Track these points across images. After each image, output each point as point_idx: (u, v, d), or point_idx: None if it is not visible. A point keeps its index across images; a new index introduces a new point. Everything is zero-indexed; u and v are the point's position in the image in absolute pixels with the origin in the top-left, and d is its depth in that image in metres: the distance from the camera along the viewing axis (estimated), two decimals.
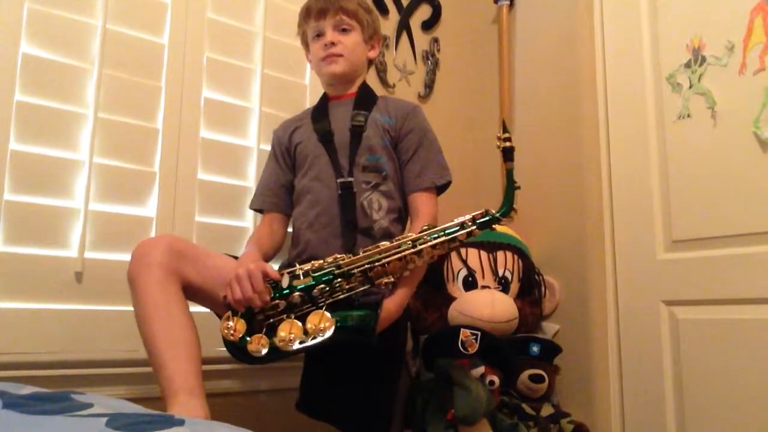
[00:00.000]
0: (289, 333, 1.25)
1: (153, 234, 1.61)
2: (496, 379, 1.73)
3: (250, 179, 1.80)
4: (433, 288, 1.94)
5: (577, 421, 1.82)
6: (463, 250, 1.93)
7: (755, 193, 1.64)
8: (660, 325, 1.81)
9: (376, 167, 1.53)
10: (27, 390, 0.95)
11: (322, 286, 1.29)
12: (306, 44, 1.67)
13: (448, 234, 1.34)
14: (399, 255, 1.31)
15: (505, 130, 1.40)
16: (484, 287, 1.90)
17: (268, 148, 1.69)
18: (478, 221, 1.35)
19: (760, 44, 1.66)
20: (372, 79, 2.13)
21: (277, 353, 1.26)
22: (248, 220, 1.78)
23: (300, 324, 1.27)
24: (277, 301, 1.28)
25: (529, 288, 1.98)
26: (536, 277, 2.01)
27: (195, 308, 1.64)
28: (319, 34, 1.58)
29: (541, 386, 1.82)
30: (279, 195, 1.61)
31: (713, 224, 1.72)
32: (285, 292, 1.29)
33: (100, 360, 1.49)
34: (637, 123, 1.92)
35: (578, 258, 2.00)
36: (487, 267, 1.91)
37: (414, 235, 1.34)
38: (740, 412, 1.61)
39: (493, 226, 1.37)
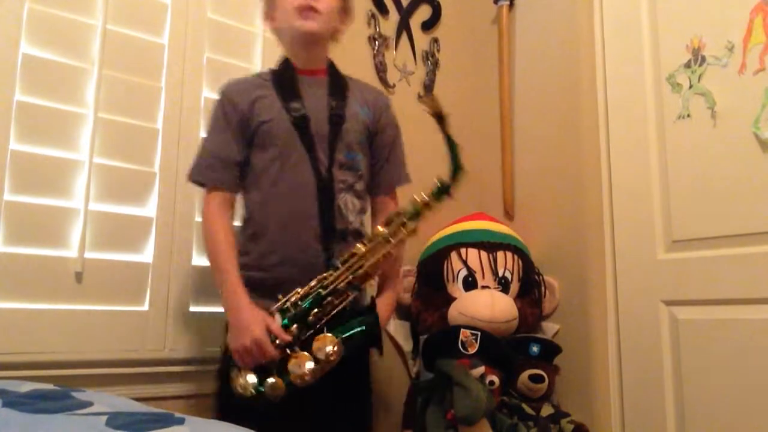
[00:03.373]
0: (301, 367, 1.24)
1: (153, 234, 1.61)
2: (496, 379, 1.73)
3: None
4: (433, 288, 1.94)
5: (577, 421, 1.81)
6: (463, 250, 1.93)
7: (755, 193, 1.64)
8: (660, 325, 1.80)
9: (353, 165, 1.45)
10: (27, 388, 0.95)
11: (315, 310, 1.28)
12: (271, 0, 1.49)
13: (412, 217, 1.34)
14: (379, 255, 1.31)
15: (429, 92, 1.37)
16: (484, 287, 1.89)
17: None
18: (436, 194, 1.35)
19: (760, 44, 1.66)
20: (372, 79, 2.14)
21: (295, 388, 1.25)
22: None
23: (307, 354, 1.25)
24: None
25: (529, 288, 1.98)
26: (536, 277, 2.01)
27: (210, 309, 1.65)
28: None
29: (541, 386, 1.82)
30: (234, 172, 1.42)
31: (713, 224, 1.72)
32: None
33: (100, 360, 1.50)
34: (637, 123, 1.92)
35: (578, 258, 2.00)
36: (487, 267, 1.91)
37: (384, 231, 1.33)
38: (740, 412, 1.61)
39: (450, 192, 1.35)
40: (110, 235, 1.55)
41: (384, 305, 1.38)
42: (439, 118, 1.33)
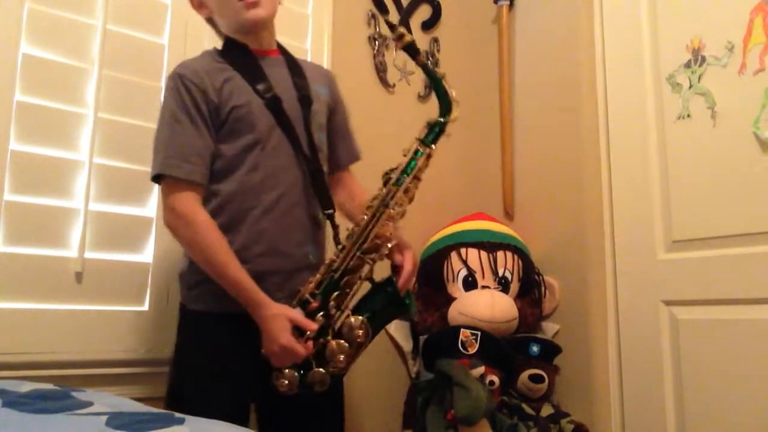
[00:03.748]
0: (335, 354, 1.24)
1: (153, 234, 1.61)
2: (496, 379, 1.73)
3: None
4: (433, 288, 1.94)
5: (577, 421, 1.81)
6: (463, 250, 1.93)
7: (755, 193, 1.64)
8: (660, 325, 1.80)
9: (323, 147, 1.42)
10: (27, 388, 0.95)
11: (335, 295, 1.26)
12: None
13: (408, 171, 1.27)
14: (381, 221, 1.25)
15: (393, 28, 1.26)
16: (484, 287, 1.89)
17: None
18: (429, 137, 1.28)
19: (760, 44, 1.66)
20: (372, 79, 2.14)
21: (337, 377, 1.26)
22: None
23: (338, 340, 1.24)
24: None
25: (529, 288, 1.98)
26: (536, 277, 2.01)
27: None
28: None
29: (541, 386, 1.82)
30: (207, 164, 1.30)
31: (713, 224, 1.72)
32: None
33: (100, 360, 1.50)
34: (637, 123, 1.92)
35: (578, 258, 2.00)
36: (487, 267, 1.91)
37: (380, 194, 1.27)
38: (740, 412, 1.61)
39: (444, 133, 1.28)
40: (110, 235, 1.55)
41: (405, 264, 1.31)
42: (412, 50, 1.26)
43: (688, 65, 1.82)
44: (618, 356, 1.90)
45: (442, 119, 1.28)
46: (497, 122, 2.28)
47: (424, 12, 2.33)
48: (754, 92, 1.65)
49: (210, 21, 1.45)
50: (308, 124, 1.37)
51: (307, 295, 1.26)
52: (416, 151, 1.28)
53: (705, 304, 1.73)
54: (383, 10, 2.06)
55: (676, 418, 1.75)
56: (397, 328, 2.01)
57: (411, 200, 1.29)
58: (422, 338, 1.87)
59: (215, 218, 1.30)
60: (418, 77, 2.27)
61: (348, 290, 1.26)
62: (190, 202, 1.27)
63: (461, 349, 1.73)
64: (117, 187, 1.58)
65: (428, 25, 2.33)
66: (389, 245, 1.26)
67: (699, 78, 1.79)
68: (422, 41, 2.31)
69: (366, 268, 1.27)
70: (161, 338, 1.58)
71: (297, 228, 1.33)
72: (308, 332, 1.23)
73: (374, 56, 2.16)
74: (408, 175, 1.27)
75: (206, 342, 1.32)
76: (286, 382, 1.24)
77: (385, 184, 1.28)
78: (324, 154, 1.42)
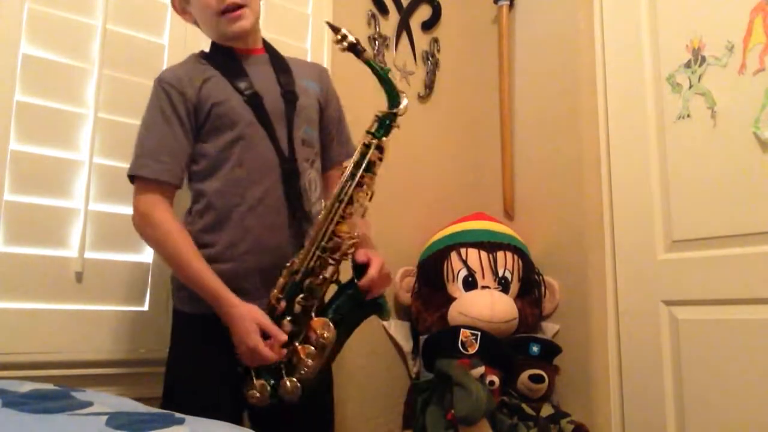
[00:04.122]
0: (303, 360, 1.21)
1: None
2: (496, 379, 1.73)
3: None
4: (433, 288, 1.94)
5: (577, 421, 1.81)
6: (463, 250, 1.93)
7: (755, 193, 1.64)
8: (660, 325, 1.80)
9: (311, 141, 1.40)
10: (27, 387, 0.95)
11: (299, 298, 1.23)
12: None
13: (361, 164, 1.25)
14: (336, 218, 1.23)
15: (335, 30, 1.27)
16: (484, 287, 1.89)
17: None
18: (378, 131, 1.27)
19: (760, 44, 1.66)
20: (372, 79, 2.13)
21: (308, 382, 1.22)
22: None
23: (305, 345, 1.22)
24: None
25: (529, 288, 1.98)
26: (536, 277, 2.01)
27: None
28: None
29: (541, 386, 1.82)
30: (181, 164, 1.31)
31: (713, 224, 1.72)
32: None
33: (100, 360, 1.50)
34: (637, 123, 1.92)
35: (578, 258, 2.00)
36: (487, 267, 1.91)
37: (334, 192, 1.25)
38: (740, 412, 1.61)
39: (394, 124, 1.26)
40: (110, 235, 1.55)
41: (370, 269, 1.26)
42: (355, 50, 1.27)
43: (688, 65, 1.82)
44: (618, 356, 1.90)
45: (392, 110, 1.27)
46: (497, 122, 2.28)
47: (424, 12, 2.33)
48: (754, 92, 1.65)
49: (197, 24, 1.46)
50: (291, 119, 1.35)
51: (273, 301, 1.24)
52: (367, 144, 1.26)
53: (705, 304, 1.73)
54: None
55: (676, 418, 1.75)
56: (397, 328, 2.01)
57: (370, 196, 1.26)
58: (422, 338, 1.88)
59: (203, 217, 1.31)
60: (418, 77, 2.27)
61: (313, 292, 1.24)
62: (152, 202, 1.28)
63: (461, 349, 1.73)
64: (117, 187, 1.57)
65: (428, 25, 2.33)
66: (350, 242, 1.24)
67: (699, 78, 1.79)
68: (422, 41, 2.31)
69: (330, 269, 1.24)
70: (161, 338, 1.58)
71: (281, 225, 1.32)
72: (279, 340, 1.20)
73: (374, 56, 2.16)
74: (359, 169, 1.25)
75: (195, 344, 1.32)
76: (257, 394, 1.21)
77: (341, 184, 1.25)
78: (314, 149, 1.41)
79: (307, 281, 1.23)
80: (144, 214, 1.29)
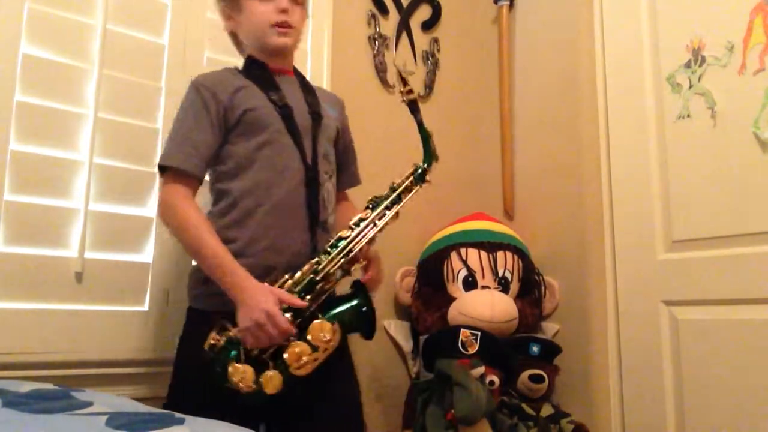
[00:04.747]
0: (300, 357, 1.22)
1: (153, 234, 1.61)
2: (496, 379, 1.73)
3: None
4: (433, 288, 1.94)
5: (577, 421, 1.82)
6: (463, 250, 1.93)
7: (755, 193, 1.64)
8: (660, 325, 1.80)
9: (330, 159, 1.48)
10: (27, 388, 0.95)
11: (308, 297, 1.27)
12: (233, 1, 1.46)
13: (396, 202, 1.37)
14: (366, 239, 1.32)
15: (405, 83, 1.36)
16: (484, 287, 1.90)
17: None
18: (413, 177, 1.39)
19: (760, 44, 1.66)
20: (372, 79, 2.14)
21: (295, 379, 1.22)
22: None
23: (303, 342, 1.23)
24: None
25: (529, 288, 1.99)
26: (536, 277, 2.01)
27: None
28: None
29: (541, 386, 1.82)
30: (206, 160, 1.37)
31: (713, 224, 1.72)
32: None
33: (100, 360, 1.49)
34: (637, 123, 1.92)
35: (578, 258, 2.00)
36: (487, 267, 1.91)
37: (370, 215, 1.35)
38: (740, 412, 1.61)
39: (426, 178, 1.39)
40: (110, 235, 1.55)
41: (375, 277, 1.39)
42: (414, 106, 1.37)
43: (688, 65, 1.82)
44: (618, 356, 1.90)
45: (426, 165, 1.40)
46: (497, 122, 2.28)
47: (424, 12, 2.33)
48: (754, 92, 1.65)
49: (232, 35, 1.52)
50: (315, 135, 1.43)
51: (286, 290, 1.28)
52: (402, 187, 1.38)
53: (705, 304, 1.73)
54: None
55: (676, 418, 1.75)
56: (397, 328, 2.01)
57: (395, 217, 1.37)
58: (422, 338, 1.88)
59: (226, 215, 1.35)
60: (418, 78, 2.27)
61: (321, 295, 1.28)
62: (176, 192, 1.33)
63: (461, 349, 1.73)
64: (117, 187, 1.58)
65: (428, 25, 2.33)
66: (364, 262, 1.35)
67: (699, 78, 1.79)
68: (422, 41, 2.31)
69: (338, 278, 1.31)
70: (161, 338, 1.58)
71: (298, 227, 1.36)
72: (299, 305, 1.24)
73: (374, 56, 2.16)
74: (395, 205, 1.37)
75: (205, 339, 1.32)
76: (240, 376, 1.19)
77: (373, 208, 1.35)
78: (332, 165, 1.48)
79: (320, 285, 1.28)
80: (167, 202, 1.34)
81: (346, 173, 1.59)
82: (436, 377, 1.72)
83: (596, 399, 1.90)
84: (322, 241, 1.35)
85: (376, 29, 2.17)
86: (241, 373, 1.19)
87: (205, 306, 1.35)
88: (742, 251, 1.65)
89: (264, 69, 1.46)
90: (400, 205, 1.37)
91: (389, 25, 2.22)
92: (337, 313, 1.29)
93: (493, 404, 1.65)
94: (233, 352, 1.22)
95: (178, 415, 0.86)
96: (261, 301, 1.21)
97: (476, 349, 1.73)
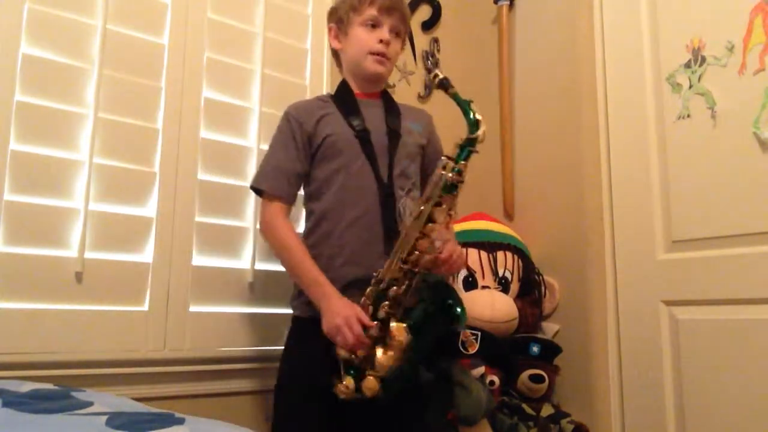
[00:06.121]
0: (382, 361, 1.30)
1: (153, 234, 1.61)
2: (496, 379, 1.73)
3: (250, 179, 1.80)
4: None
5: (577, 421, 1.82)
6: (463, 251, 1.93)
7: (755, 193, 1.64)
8: (660, 325, 1.81)
9: (409, 174, 1.56)
10: (27, 388, 0.95)
11: (384, 304, 1.32)
12: (344, 21, 1.58)
13: (438, 185, 1.33)
14: (417, 234, 1.33)
15: (429, 71, 1.38)
16: (484, 287, 1.90)
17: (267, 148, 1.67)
18: (457, 156, 1.35)
19: (760, 44, 1.66)
20: None
21: (390, 382, 1.30)
22: (248, 221, 1.77)
23: (383, 348, 1.31)
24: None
25: (529, 288, 1.99)
26: (536, 277, 2.01)
27: (210, 309, 1.65)
28: (375, 25, 1.54)
29: (541, 386, 1.82)
30: (294, 184, 1.54)
31: (713, 224, 1.72)
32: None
33: (100, 360, 1.49)
34: (637, 123, 1.92)
35: (578, 258, 2.00)
36: (487, 267, 1.92)
37: (417, 211, 1.35)
38: (740, 412, 1.61)
39: (473, 150, 1.36)
40: (110, 235, 1.55)
41: (444, 258, 1.40)
42: (446, 85, 1.41)
43: (688, 65, 1.82)
44: (618, 356, 1.90)
45: (473, 136, 1.37)
46: (497, 122, 2.28)
47: (424, 12, 2.33)
48: (754, 92, 1.66)
49: (335, 54, 1.65)
50: (392, 153, 1.52)
51: (363, 306, 1.35)
52: (444, 167, 1.34)
53: (705, 304, 1.73)
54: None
55: (676, 418, 1.75)
56: None
57: (452, 215, 1.37)
58: None
59: (312, 234, 1.52)
60: (418, 77, 2.27)
61: (396, 301, 1.33)
62: (274, 213, 1.51)
63: (461, 349, 1.73)
64: (117, 187, 1.58)
65: (428, 25, 2.33)
66: (429, 258, 1.36)
67: (699, 78, 1.79)
68: (422, 41, 2.31)
69: (413, 280, 1.34)
70: (161, 338, 1.58)
71: (375, 241, 1.46)
72: (369, 328, 1.31)
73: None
74: (437, 189, 1.33)
75: (304, 343, 1.47)
76: (344, 388, 1.32)
77: (426, 200, 1.35)
78: (411, 180, 1.55)
79: (392, 290, 1.33)
80: (266, 222, 1.52)
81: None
82: (436, 377, 1.72)
83: (596, 399, 1.90)
84: None
85: None
86: (342, 386, 1.32)
87: (305, 313, 1.47)
88: (742, 251, 1.65)
89: (350, 96, 1.58)
90: (438, 189, 1.34)
91: None
92: (409, 313, 1.34)
93: (493, 404, 1.65)
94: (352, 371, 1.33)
95: (178, 415, 0.86)
96: (341, 310, 1.33)
97: (476, 349, 1.73)
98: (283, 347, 1.54)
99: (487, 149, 2.30)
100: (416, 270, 1.34)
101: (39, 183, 1.48)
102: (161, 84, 1.67)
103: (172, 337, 1.60)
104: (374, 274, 1.36)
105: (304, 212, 1.60)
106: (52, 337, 1.44)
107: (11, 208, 1.43)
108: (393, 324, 1.32)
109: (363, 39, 1.54)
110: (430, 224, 1.33)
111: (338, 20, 1.60)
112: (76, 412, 0.83)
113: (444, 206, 1.34)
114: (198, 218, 1.69)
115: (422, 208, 1.34)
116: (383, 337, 1.32)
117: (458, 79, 2.36)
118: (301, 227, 1.62)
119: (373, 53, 1.54)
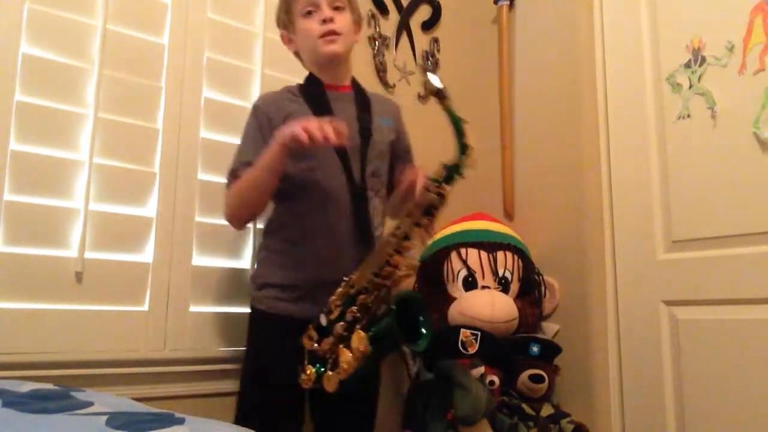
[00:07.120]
0: (344, 362, 1.29)
1: (153, 234, 1.61)
2: (496, 379, 1.73)
3: None
4: (433, 288, 1.94)
5: (577, 421, 1.81)
6: (463, 250, 1.93)
7: (755, 193, 1.64)
8: (660, 325, 1.81)
9: (380, 173, 1.54)
10: (27, 388, 0.95)
11: (351, 308, 1.31)
12: (287, 23, 1.58)
13: (427, 212, 1.33)
14: (392, 250, 1.31)
15: (435, 91, 1.36)
16: (484, 287, 1.89)
17: None
18: (444, 180, 1.33)
19: (760, 44, 1.66)
20: (372, 79, 2.14)
21: (346, 381, 1.30)
22: None
23: (346, 350, 1.30)
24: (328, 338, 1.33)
25: (529, 288, 1.98)
26: (536, 277, 2.01)
27: (210, 309, 1.65)
28: (311, 11, 1.52)
29: (541, 386, 1.82)
30: None
31: (713, 224, 1.72)
32: (326, 329, 1.33)
33: (100, 360, 1.49)
34: (637, 123, 1.92)
35: (578, 258, 2.00)
36: (487, 267, 1.91)
37: (393, 228, 1.34)
38: (740, 412, 1.61)
39: (457, 176, 1.34)
40: (110, 235, 1.55)
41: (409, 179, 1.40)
42: (440, 95, 1.36)
43: (688, 65, 1.82)
44: (618, 356, 1.90)
45: (458, 162, 1.34)
46: (497, 122, 2.28)
47: (424, 12, 2.33)
48: (754, 92, 1.66)
49: (297, 55, 1.63)
50: (364, 153, 1.51)
51: (331, 305, 1.34)
52: (428, 189, 1.33)
53: (705, 304, 1.73)
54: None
55: (676, 418, 1.75)
56: None
57: (428, 232, 1.36)
58: None
59: (278, 236, 1.51)
60: (418, 77, 2.27)
61: (364, 308, 1.31)
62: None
63: (461, 349, 1.73)
64: (117, 187, 1.58)
65: (428, 25, 2.33)
66: (401, 274, 1.34)
67: (699, 78, 1.79)
68: (422, 41, 2.31)
69: (382, 291, 1.32)
70: (161, 338, 1.58)
71: (346, 244, 1.45)
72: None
73: (374, 56, 2.16)
74: (419, 210, 1.33)
75: (269, 336, 1.48)
76: (305, 377, 1.33)
77: (407, 216, 1.33)
78: (382, 179, 1.55)
79: (360, 298, 1.31)
80: (227, 203, 1.50)
81: (402, 165, 1.58)
82: (436, 377, 1.72)
83: (596, 399, 1.90)
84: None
85: (376, 29, 2.17)
86: (304, 375, 1.34)
87: (267, 308, 1.48)
88: (742, 251, 1.65)
89: (319, 89, 1.54)
90: (420, 210, 1.34)
91: (389, 25, 2.22)
92: (372, 327, 1.31)
93: (493, 404, 1.65)
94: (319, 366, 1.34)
95: (177, 415, 0.86)
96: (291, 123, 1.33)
97: (476, 349, 1.73)
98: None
99: (487, 149, 2.31)
100: (387, 284, 1.33)
101: (39, 183, 1.48)
102: (161, 84, 1.68)
103: (172, 337, 1.60)
104: (345, 278, 1.34)
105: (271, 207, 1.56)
106: (52, 337, 1.44)
107: (11, 208, 1.43)
108: (356, 332, 1.29)
109: (307, 29, 1.52)
110: (406, 241, 1.32)
111: (283, 25, 1.60)
112: (76, 412, 0.83)
113: (422, 228, 1.34)
114: (198, 218, 1.69)
115: (400, 228, 1.32)
116: (347, 340, 1.30)
117: (458, 79, 2.38)
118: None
119: (321, 36, 1.51)
